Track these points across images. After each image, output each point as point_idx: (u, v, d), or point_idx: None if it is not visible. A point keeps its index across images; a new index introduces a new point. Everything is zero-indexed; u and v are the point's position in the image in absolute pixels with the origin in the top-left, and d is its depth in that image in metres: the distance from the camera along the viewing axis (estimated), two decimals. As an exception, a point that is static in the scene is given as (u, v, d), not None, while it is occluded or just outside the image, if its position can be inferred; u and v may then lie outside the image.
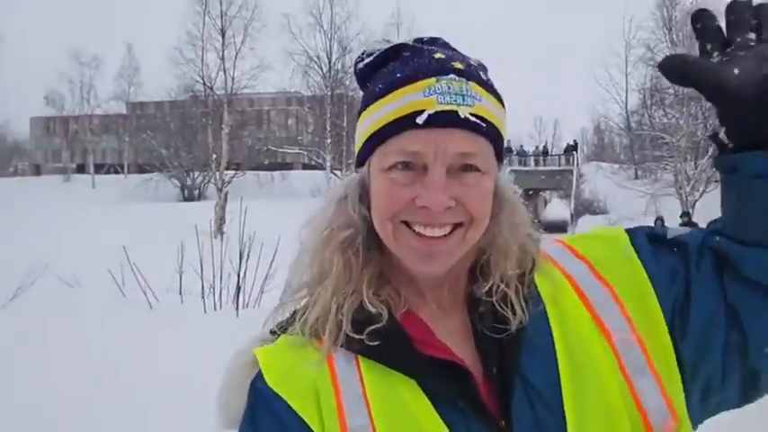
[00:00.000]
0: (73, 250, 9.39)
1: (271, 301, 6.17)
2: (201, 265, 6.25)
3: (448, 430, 0.69)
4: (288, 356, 0.75)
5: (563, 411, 0.69)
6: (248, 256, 6.43)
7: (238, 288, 6.15)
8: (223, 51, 23.10)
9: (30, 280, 5.78)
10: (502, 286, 0.75)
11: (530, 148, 38.77)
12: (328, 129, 28.05)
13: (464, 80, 0.72)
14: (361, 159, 0.78)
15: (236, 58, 23.25)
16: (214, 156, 23.36)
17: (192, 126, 31.27)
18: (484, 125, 0.71)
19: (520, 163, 32.43)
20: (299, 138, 38.77)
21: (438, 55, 0.74)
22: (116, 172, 41.40)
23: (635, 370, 0.72)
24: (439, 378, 0.71)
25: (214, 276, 6.21)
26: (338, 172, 30.14)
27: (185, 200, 33.94)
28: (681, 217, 16.03)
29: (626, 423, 0.69)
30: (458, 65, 0.73)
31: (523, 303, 0.74)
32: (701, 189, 22.14)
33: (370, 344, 0.71)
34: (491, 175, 0.74)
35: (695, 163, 22.68)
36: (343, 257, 0.76)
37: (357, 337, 0.72)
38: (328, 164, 28.44)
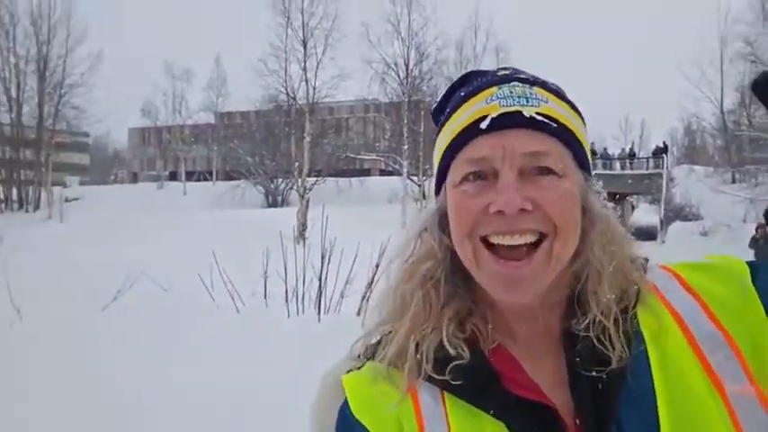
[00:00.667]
0: (166, 255, 9.97)
1: (350, 306, 6.27)
2: (285, 270, 6.44)
3: None
4: (372, 386, 0.72)
5: None
6: (329, 260, 6.56)
7: (320, 293, 6.28)
8: (305, 62, 23.84)
9: (128, 284, 6.19)
10: (601, 319, 0.67)
11: (615, 151, 37.18)
12: (405, 135, 28.19)
13: (527, 85, 0.70)
14: (438, 185, 0.75)
15: (317, 68, 23.92)
16: (296, 163, 24.07)
17: (276, 134, 32.46)
18: (553, 124, 0.67)
19: (604, 167, 31.11)
20: (377, 144, 39.24)
21: (502, 72, 0.73)
22: (205, 179, 43.63)
23: (752, 430, 0.62)
24: (529, 422, 0.65)
25: (297, 281, 6.38)
26: (414, 177, 30.22)
27: (269, 206, 35.20)
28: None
29: None
30: (522, 76, 0.71)
31: (624, 341, 0.66)
32: (810, 193, 20.34)
33: (455, 382, 0.67)
34: (571, 180, 0.68)
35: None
36: (422, 291, 0.73)
37: (439, 377, 0.68)
38: (405, 169, 28.57)
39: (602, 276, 0.69)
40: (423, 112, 29.36)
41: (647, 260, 0.74)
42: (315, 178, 24.73)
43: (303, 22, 24.01)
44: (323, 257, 6.53)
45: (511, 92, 0.68)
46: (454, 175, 0.70)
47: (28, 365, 4.03)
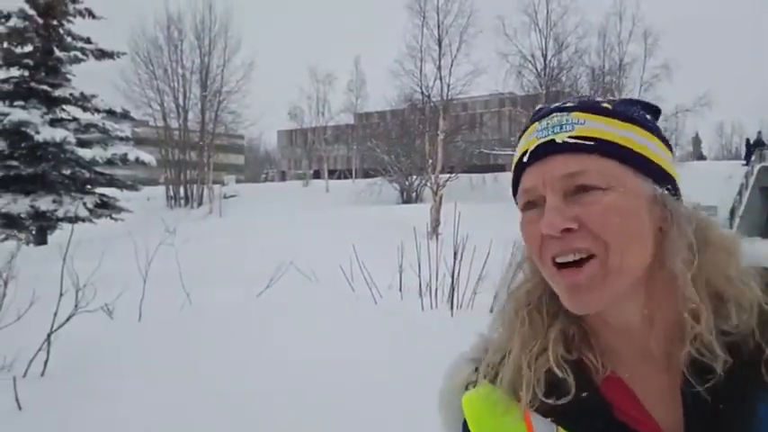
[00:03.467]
0: (311, 247, 10.70)
1: (483, 303, 6.32)
2: (419, 265, 6.66)
3: None
4: (488, 409, 0.76)
5: None
6: (461, 257, 6.65)
7: (452, 288, 6.40)
8: (440, 60, 24.07)
9: (279, 273, 6.80)
10: (716, 350, 0.65)
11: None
12: (542, 128, 27.33)
13: (565, 113, 0.73)
14: None
15: (451, 65, 24.03)
16: (430, 160, 24.38)
17: (411, 132, 33.09)
18: (589, 143, 0.70)
19: (770, 158, 27.64)
20: (512, 139, 38.34)
21: (555, 106, 0.76)
22: (345, 177, 45.66)
23: None
24: None
25: (430, 276, 6.57)
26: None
27: (404, 202, 35.95)
28: None
29: None
30: (566, 105, 0.75)
31: (752, 368, 0.64)
32: None
33: (567, 412, 0.69)
34: (621, 192, 0.69)
35: None
36: (526, 311, 0.77)
37: (550, 402, 0.70)
38: (541, 164, 27.69)
39: (690, 292, 0.67)
40: (562, 104, 28.26)
41: None
42: (448, 175, 24.83)
43: (438, 20, 24.27)
44: (455, 253, 6.64)
45: (547, 124, 0.73)
46: (519, 205, 0.76)
47: (199, 342, 4.64)
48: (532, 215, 0.73)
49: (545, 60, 27.78)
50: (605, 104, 0.75)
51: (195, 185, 38.00)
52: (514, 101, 36.73)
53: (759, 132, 33.63)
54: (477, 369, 0.81)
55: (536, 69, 27.93)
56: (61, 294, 4.31)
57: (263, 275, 6.68)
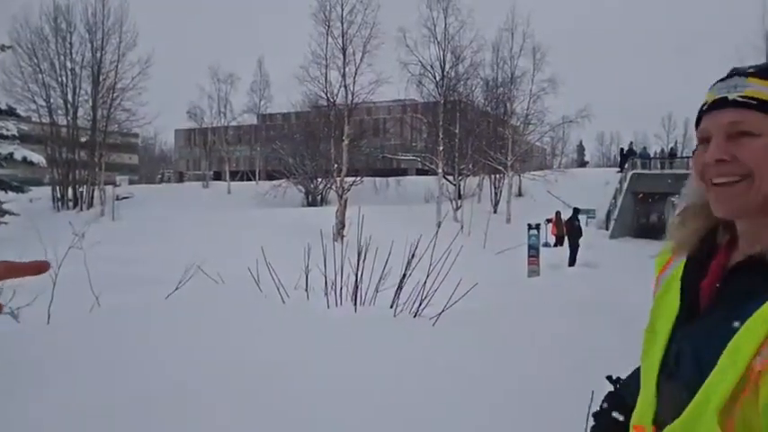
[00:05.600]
0: (216, 250, 10.72)
1: (385, 299, 6.80)
2: (325, 266, 7.00)
3: (677, 305, 0.99)
4: (663, 250, 1.14)
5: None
6: (365, 257, 7.05)
7: (356, 287, 6.80)
8: (344, 69, 24.55)
9: (186, 276, 6.90)
10: None
11: (655, 149, 36.58)
12: (440, 135, 28.59)
13: (743, 77, 0.95)
14: None
15: (355, 74, 24.60)
16: (335, 164, 24.81)
17: (316, 136, 33.28)
18: (753, 101, 0.92)
19: (643, 166, 30.75)
20: (414, 144, 39.69)
21: (736, 68, 0.99)
22: (248, 179, 44.89)
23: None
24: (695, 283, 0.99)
25: (335, 275, 6.94)
26: (450, 177, 30.57)
27: (309, 205, 36.03)
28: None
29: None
30: (749, 70, 0.97)
31: None
32: None
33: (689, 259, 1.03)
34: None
35: None
36: (692, 208, 1.07)
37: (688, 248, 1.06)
38: (440, 169, 28.97)
39: None
40: (458, 114, 29.69)
41: None
42: (353, 178, 25.36)
43: (343, 30, 24.72)
44: (359, 254, 7.04)
45: (725, 84, 0.96)
46: (697, 140, 1.01)
47: (108, 343, 4.73)
48: (702, 149, 0.97)
49: (443, 71, 29.12)
50: None
51: (85, 186, 35.77)
52: (415, 108, 38.06)
53: (631, 143, 37.32)
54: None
55: (435, 79, 29.21)
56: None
57: (169, 279, 6.76)
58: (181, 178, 56.10)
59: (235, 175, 44.63)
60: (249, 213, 25.87)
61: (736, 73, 0.98)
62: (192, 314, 5.56)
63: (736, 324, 0.85)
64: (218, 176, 46.22)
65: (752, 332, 0.82)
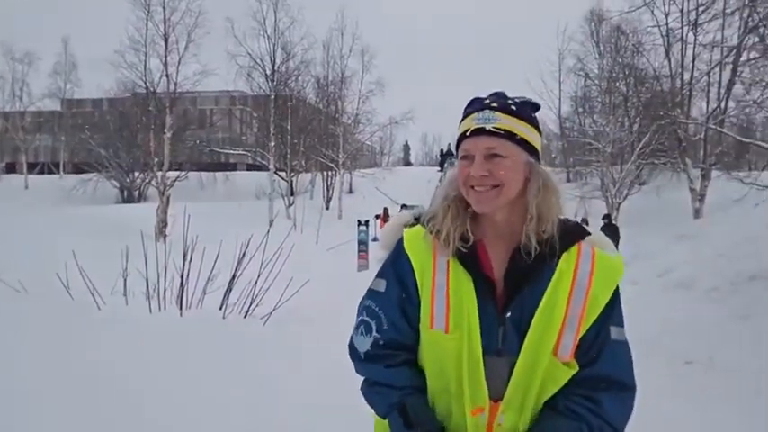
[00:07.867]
0: (14, 254, 9.42)
1: (213, 301, 6.55)
2: (147, 268, 6.50)
3: (476, 300, 1.28)
4: (418, 236, 1.39)
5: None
6: (191, 258, 6.69)
7: (181, 290, 6.44)
8: (166, 57, 22.90)
9: (-26, 285, 5.95)
10: (533, 241, 1.28)
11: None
12: (272, 131, 28.20)
13: (492, 111, 1.30)
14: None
15: (179, 63, 23.09)
16: (156, 158, 23.10)
17: (133, 126, 30.66)
18: (502, 132, 1.28)
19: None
20: (244, 138, 38.56)
21: (486, 100, 1.34)
22: (51, 172, 39.99)
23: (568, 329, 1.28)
24: (484, 283, 1.30)
25: (158, 278, 6.49)
26: (282, 173, 30.30)
27: (125, 201, 33.27)
28: (602, 219, 17.29)
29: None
30: (493, 104, 1.32)
31: (548, 252, 1.28)
32: (624, 192, 23.69)
33: (462, 252, 1.31)
34: (513, 160, 1.29)
35: (620, 167, 24.20)
36: (453, 204, 1.37)
37: (454, 246, 1.32)
38: (272, 165, 28.58)
39: (533, 211, 1.29)
40: (290, 110, 29.53)
41: (585, 221, 1.51)
42: (176, 173, 23.84)
43: (165, 16, 23.03)
44: (184, 255, 6.62)
45: (482, 116, 1.31)
46: (459, 156, 1.35)
47: None
48: (464, 163, 1.32)
49: (273, 66, 28.68)
50: (513, 106, 1.34)
51: None
52: (245, 100, 36.97)
53: (449, 144, 40.48)
54: (416, 220, 1.45)
55: (265, 72, 28.64)
56: None
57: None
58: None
59: (34, 168, 39.51)
60: (55, 211, 23.07)
61: (486, 107, 1.32)
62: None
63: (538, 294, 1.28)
64: (11, 169, 40.53)
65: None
